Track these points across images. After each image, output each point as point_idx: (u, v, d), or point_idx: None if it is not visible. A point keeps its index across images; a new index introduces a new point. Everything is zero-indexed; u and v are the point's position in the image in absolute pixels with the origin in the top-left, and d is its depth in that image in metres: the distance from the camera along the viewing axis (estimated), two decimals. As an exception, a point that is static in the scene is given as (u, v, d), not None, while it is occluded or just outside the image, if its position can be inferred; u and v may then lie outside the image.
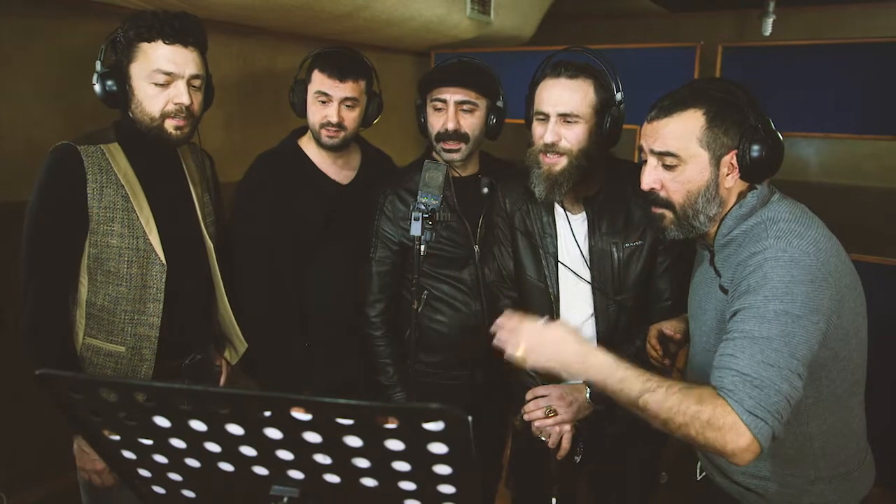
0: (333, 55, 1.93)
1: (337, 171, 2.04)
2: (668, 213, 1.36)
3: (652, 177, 1.35)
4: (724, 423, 1.09)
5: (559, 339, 1.27)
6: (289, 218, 1.94)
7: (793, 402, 1.12)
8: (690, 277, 1.54)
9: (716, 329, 1.33)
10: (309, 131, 2.01)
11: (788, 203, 1.31)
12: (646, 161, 1.37)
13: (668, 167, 1.33)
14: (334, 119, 1.90)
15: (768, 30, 4.63)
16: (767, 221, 1.26)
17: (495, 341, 1.34)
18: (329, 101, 1.90)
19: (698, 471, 1.57)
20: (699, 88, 1.33)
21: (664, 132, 1.32)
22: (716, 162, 1.30)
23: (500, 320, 1.35)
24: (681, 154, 1.30)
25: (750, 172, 1.30)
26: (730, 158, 1.30)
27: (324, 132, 1.93)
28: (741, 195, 1.33)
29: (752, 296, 1.18)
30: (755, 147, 1.27)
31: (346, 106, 1.92)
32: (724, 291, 1.29)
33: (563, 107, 1.60)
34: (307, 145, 2.03)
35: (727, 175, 1.31)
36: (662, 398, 1.14)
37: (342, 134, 1.94)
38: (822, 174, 4.72)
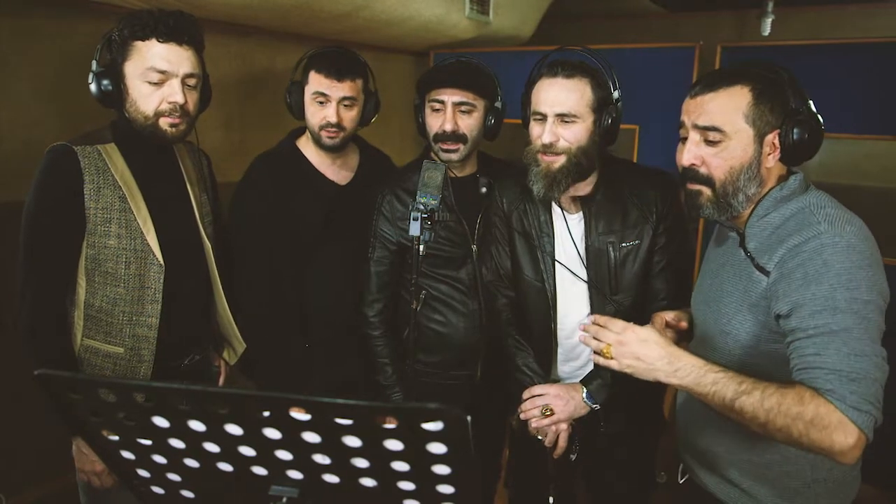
0: (329, 55, 1.93)
1: (335, 171, 2.03)
2: (707, 190, 1.34)
3: (693, 153, 1.34)
4: (829, 422, 1.09)
5: (648, 340, 1.27)
6: (287, 219, 1.94)
7: (884, 384, 1.13)
8: (695, 262, 1.53)
9: (742, 310, 1.31)
10: (307, 132, 2.01)
11: (826, 194, 1.31)
12: (684, 138, 1.36)
13: (710, 143, 1.31)
14: (333, 119, 1.90)
15: (767, 30, 4.62)
16: (813, 206, 1.26)
17: (582, 336, 1.38)
18: (327, 101, 1.90)
19: (680, 473, 1.57)
20: (745, 67, 1.33)
21: (710, 106, 1.30)
22: (759, 140, 1.29)
23: (592, 317, 1.38)
24: (726, 129, 1.29)
25: (791, 154, 1.30)
26: (773, 138, 1.29)
27: (324, 133, 1.93)
28: (780, 178, 1.33)
29: (816, 286, 1.17)
30: (797, 129, 1.27)
31: (345, 105, 1.92)
32: (764, 272, 1.26)
33: (560, 107, 1.59)
34: (305, 146, 2.03)
35: (769, 154, 1.30)
36: (759, 400, 1.14)
37: (342, 134, 1.94)
38: (821, 174, 4.70)
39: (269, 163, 2.01)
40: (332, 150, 1.98)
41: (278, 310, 1.97)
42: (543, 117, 1.62)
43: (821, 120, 1.30)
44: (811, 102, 1.31)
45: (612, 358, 1.31)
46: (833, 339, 1.14)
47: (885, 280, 1.19)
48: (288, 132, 2.10)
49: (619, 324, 1.32)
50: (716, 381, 1.18)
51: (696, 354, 1.37)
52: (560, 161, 1.61)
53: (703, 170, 1.33)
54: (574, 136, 1.60)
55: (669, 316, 1.58)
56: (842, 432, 1.08)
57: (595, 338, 1.34)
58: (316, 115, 1.92)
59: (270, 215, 1.93)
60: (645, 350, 1.26)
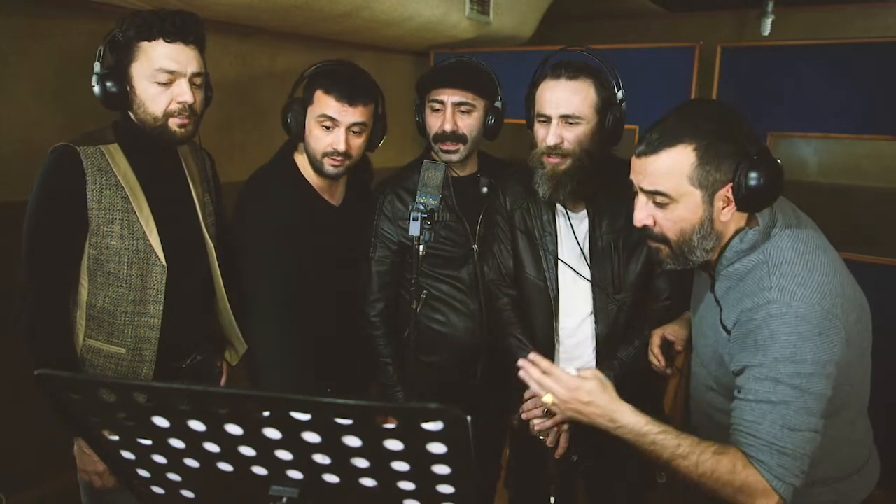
0: (340, 74, 1.76)
1: (331, 193, 1.92)
2: (664, 248, 1.33)
3: (644, 213, 1.31)
4: (755, 490, 1.15)
5: (588, 397, 1.26)
6: (302, 252, 1.82)
7: (811, 456, 1.17)
8: (693, 286, 1.54)
9: (715, 357, 1.34)
10: (300, 149, 1.86)
11: (792, 235, 1.26)
12: (637, 194, 1.33)
13: (659, 205, 1.29)
14: (341, 147, 1.74)
15: (767, 30, 4.63)
16: (770, 263, 1.24)
17: (522, 374, 1.34)
18: (335, 126, 1.74)
19: (659, 474, 1.59)
20: (689, 119, 1.26)
21: (652, 170, 1.26)
22: (709, 198, 1.25)
23: (531, 358, 1.34)
24: (671, 193, 1.25)
25: (747, 203, 1.24)
26: (725, 192, 1.24)
27: (327, 161, 1.77)
28: (740, 228, 1.29)
29: (762, 355, 1.19)
30: (752, 175, 1.21)
31: (354, 132, 1.77)
32: (727, 331, 1.28)
33: (565, 108, 1.60)
34: (304, 166, 1.86)
35: (723, 209, 1.26)
36: (694, 465, 1.18)
37: (347, 163, 1.79)
38: (821, 174, 4.71)
39: (277, 180, 1.84)
40: (334, 179, 1.86)
41: (293, 338, 1.83)
42: (548, 119, 1.62)
43: (779, 163, 1.22)
44: (767, 147, 1.27)
45: (553, 405, 1.31)
46: (770, 410, 1.17)
47: (836, 344, 1.18)
48: (282, 147, 1.92)
49: (565, 380, 1.28)
50: (654, 442, 1.21)
51: (695, 380, 1.40)
52: (565, 163, 1.62)
53: (656, 229, 1.32)
54: (578, 137, 1.61)
55: (669, 333, 1.60)
56: (764, 498, 1.16)
57: (538, 383, 1.32)
58: (321, 140, 1.76)
59: (287, 249, 1.79)
60: (588, 409, 1.27)
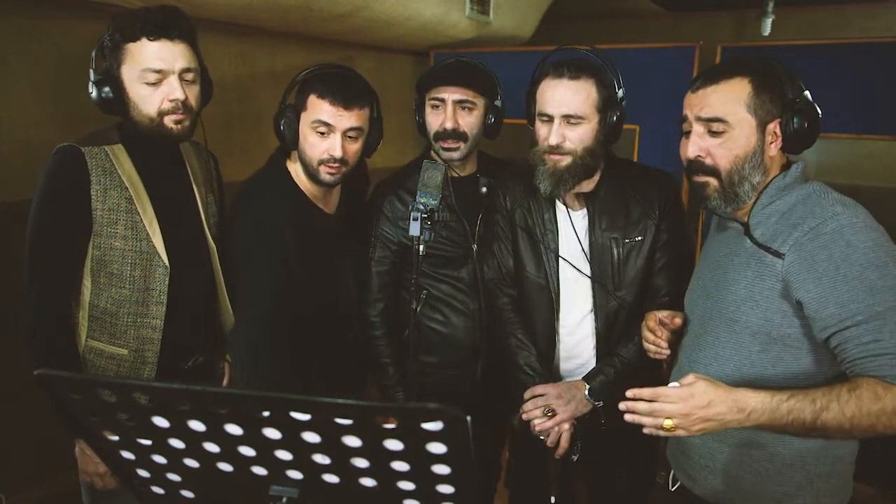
0: (334, 78, 1.70)
1: (325, 201, 1.86)
2: (713, 181, 1.36)
3: (698, 144, 1.36)
4: None
5: (706, 398, 1.17)
6: (287, 255, 1.77)
7: None
8: (695, 260, 1.53)
9: (752, 296, 1.31)
10: (293, 156, 1.80)
11: (824, 184, 1.34)
12: (687, 132, 1.39)
13: (714, 133, 1.34)
14: (338, 154, 1.68)
15: (767, 30, 4.62)
16: (820, 193, 1.29)
17: (630, 418, 1.23)
18: (330, 132, 1.68)
19: (671, 481, 1.56)
20: (743, 60, 1.36)
21: (712, 99, 1.34)
22: (761, 129, 1.33)
23: (632, 394, 1.22)
24: (729, 119, 1.32)
25: (792, 142, 1.33)
26: (774, 127, 1.33)
27: (323, 169, 1.71)
28: (782, 167, 1.36)
29: (847, 268, 1.18)
30: (797, 118, 1.31)
31: (350, 137, 1.71)
32: (779, 255, 1.27)
33: (567, 108, 1.60)
34: (297, 174, 1.80)
35: (771, 143, 1.34)
36: (839, 412, 1.15)
37: (343, 170, 1.73)
38: (821, 174, 4.71)
39: (270, 189, 1.78)
40: (329, 186, 1.79)
41: (292, 346, 1.79)
42: (550, 118, 1.62)
43: (818, 109, 1.33)
44: (807, 92, 1.34)
45: (674, 430, 1.19)
46: (884, 322, 1.16)
47: None
48: (274, 154, 1.86)
49: (676, 395, 1.18)
50: (790, 410, 1.17)
51: (700, 345, 1.39)
52: (566, 160, 1.62)
53: (708, 161, 1.36)
54: (580, 136, 1.62)
55: (663, 314, 1.57)
56: None
57: (650, 414, 1.21)
58: (316, 147, 1.70)
59: (279, 253, 1.74)
60: (712, 411, 1.17)
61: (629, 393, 1.24)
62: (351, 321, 1.96)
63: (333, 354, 1.93)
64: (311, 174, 1.74)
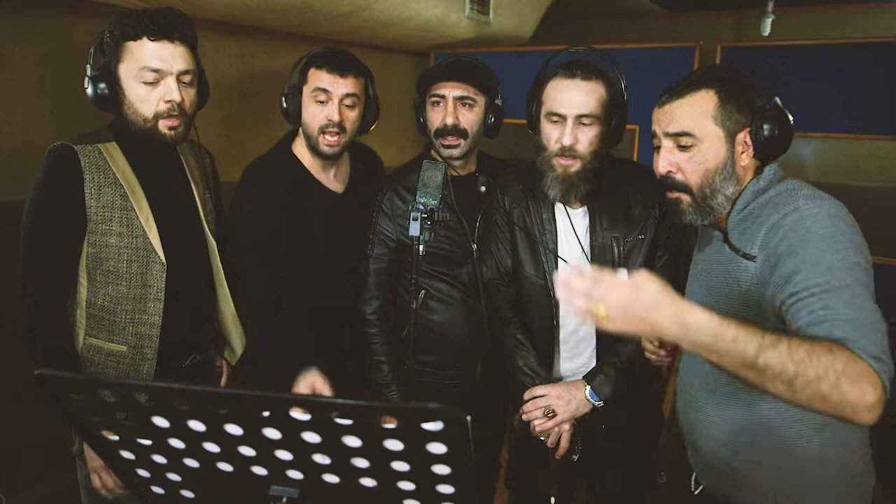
0: (330, 52, 1.86)
1: (332, 180, 1.96)
2: (685, 197, 1.36)
3: (667, 160, 1.35)
4: (859, 373, 1.00)
5: (651, 301, 1.03)
6: (291, 229, 1.87)
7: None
8: (689, 269, 1.53)
9: (734, 304, 1.30)
10: (300, 139, 1.92)
11: (801, 182, 1.32)
12: (658, 147, 1.38)
13: (683, 148, 1.33)
14: (336, 118, 1.80)
15: (767, 30, 4.63)
16: (790, 189, 1.27)
17: (560, 296, 1.09)
18: (329, 99, 1.81)
19: (693, 483, 1.54)
20: (708, 71, 1.35)
21: (678, 113, 1.33)
22: (730, 140, 1.31)
23: (564, 275, 1.08)
24: (696, 133, 1.31)
25: (763, 150, 1.31)
26: (744, 136, 1.31)
27: (323, 138, 1.83)
28: (756, 173, 1.35)
29: (803, 251, 1.15)
30: (767, 125, 1.29)
31: (347, 105, 1.83)
32: (750, 258, 1.27)
33: (581, 108, 1.60)
34: (302, 154, 1.92)
35: (742, 153, 1.32)
36: (787, 352, 1.01)
37: (342, 138, 1.84)
38: (820, 174, 4.71)
39: (269, 169, 1.91)
40: (331, 159, 1.89)
41: (282, 319, 1.87)
42: (562, 119, 1.62)
43: (789, 115, 1.31)
44: (777, 99, 1.33)
45: (606, 319, 1.06)
46: (838, 294, 1.09)
47: (867, 248, 1.19)
48: (283, 137, 1.99)
49: (622, 285, 1.05)
50: (735, 337, 1.02)
51: (689, 369, 1.37)
52: (576, 165, 1.62)
53: (679, 176, 1.35)
54: (590, 139, 1.62)
55: None
56: (870, 383, 1.00)
57: (587, 294, 1.06)
58: (316, 115, 1.82)
59: (274, 224, 1.84)
60: (653, 315, 1.04)
61: (570, 266, 1.17)
62: (356, 300, 1.97)
63: (339, 330, 1.97)
64: (313, 146, 1.86)
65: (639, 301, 1.04)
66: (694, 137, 1.31)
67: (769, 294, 1.22)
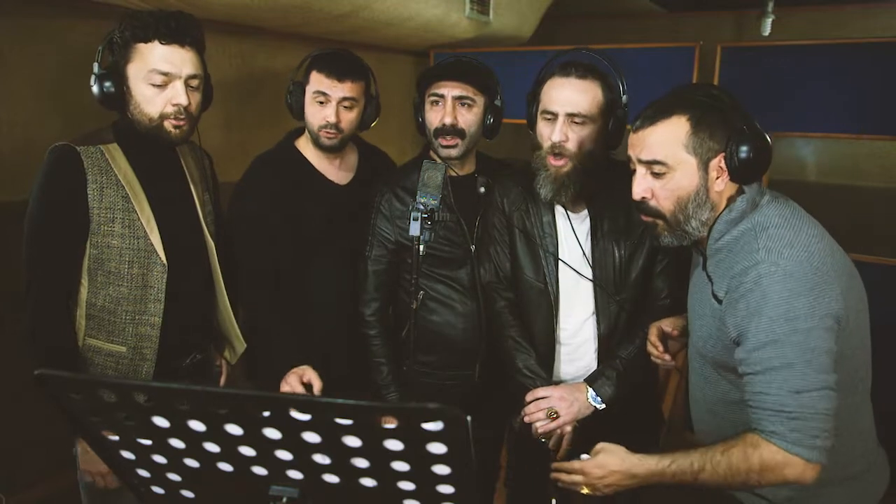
0: (332, 56, 1.92)
1: (335, 172, 2.03)
2: (660, 222, 1.37)
3: (642, 186, 1.36)
4: (776, 463, 1.17)
5: (604, 475, 1.33)
6: (288, 219, 1.94)
7: (833, 412, 1.17)
8: (689, 277, 1.54)
9: (713, 335, 1.34)
10: (305, 133, 2.01)
11: (779, 205, 1.31)
12: (635, 171, 1.38)
13: (656, 175, 1.33)
14: (332, 119, 1.89)
15: (767, 30, 4.63)
16: (757, 228, 1.27)
17: (562, 479, 1.42)
18: (327, 101, 1.89)
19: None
20: (682, 95, 1.34)
21: (650, 141, 1.32)
22: (704, 166, 1.30)
23: (556, 469, 1.43)
24: (668, 161, 1.31)
25: (739, 174, 1.29)
26: (718, 162, 1.30)
27: (322, 133, 1.92)
28: (731, 199, 1.33)
29: (757, 319, 1.20)
30: (743, 148, 1.27)
31: (345, 107, 1.90)
32: (718, 301, 1.30)
33: (573, 107, 1.60)
34: (304, 147, 2.01)
35: (716, 179, 1.31)
36: (713, 472, 1.21)
37: (340, 136, 1.92)
38: (820, 174, 4.71)
39: (268, 163, 2.00)
40: (331, 151, 1.97)
41: (279, 310, 1.95)
42: (554, 116, 1.62)
43: (767, 137, 1.29)
44: (755, 121, 1.31)
45: (592, 491, 1.38)
46: (775, 376, 1.18)
47: (832, 299, 1.18)
48: (286, 133, 2.09)
49: (578, 469, 1.37)
50: (673, 473, 1.25)
51: (694, 370, 1.40)
52: (568, 166, 1.62)
53: (652, 203, 1.36)
54: (582, 139, 1.62)
55: (665, 325, 1.61)
56: (790, 468, 1.16)
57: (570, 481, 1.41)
58: (316, 115, 1.91)
59: (270, 215, 1.92)
60: (610, 480, 1.33)
61: (555, 465, 1.44)
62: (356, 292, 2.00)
63: (339, 321, 2.02)
64: (315, 140, 1.96)
65: (596, 476, 1.35)
66: (666, 166, 1.31)
67: (731, 336, 1.27)
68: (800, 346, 1.16)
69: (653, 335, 1.62)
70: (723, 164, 1.30)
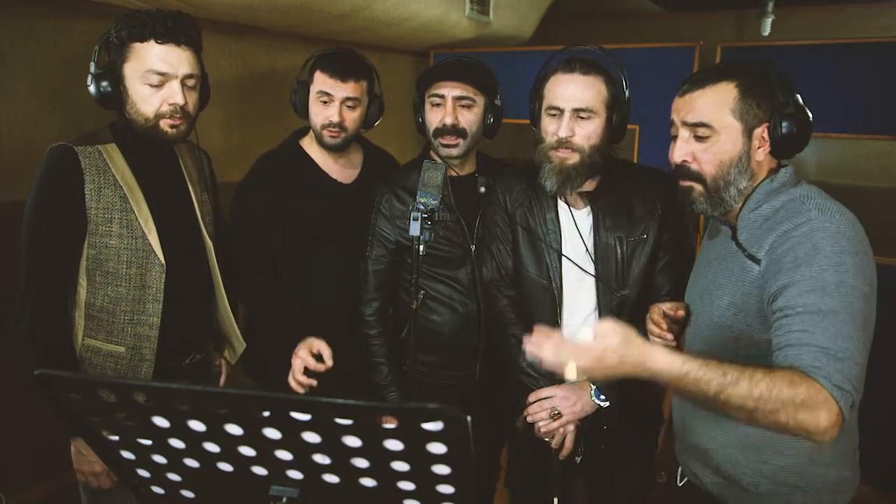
0: (335, 55, 1.95)
1: (339, 170, 2.04)
2: (698, 186, 1.37)
3: (683, 150, 1.36)
4: (817, 402, 1.08)
5: (616, 357, 1.14)
6: (290, 217, 1.95)
7: (864, 371, 1.14)
8: (695, 258, 1.54)
9: (735, 301, 1.32)
10: (310, 132, 2.02)
11: (816, 187, 1.33)
12: (675, 136, 1.38)
13: (700, 138, 1.34)
14: (336, 119, 1.91)
15: (767, 30, 4.63)
16: (803, 197, 1.28)
17: (531, 356, 1.21)
18: (331, 101, 1.91)
19: (679, 476, 1.56)
20: (731, 64, 1.36)
21: (698, 104, 1.33)
22: (748, 134, 1.32)
23: (537, 334, 1.20)
24: (714, 124, 1.32)
25: (780, 147, 1.32)
26: (761, 131, 1.32)
27: (326, 132, 1.94)
28: (770, 171, 1.35)
29: (806, 267, 1.18)
30: (786, 122, 1.29)
31: (348, 107, 1.93)
32: (755, 260, 1.28)
33: (578, 102, 1.61)
34: (309, 146, 2.04)
35: (758, 148, 1.32)
36: (747, 389, 1.09)
37: (343, 135, 1.95)
38: (821, 174, 4.71)
39: (273, 161, 2.02)
40: (334, 150, 1.99)
41: (280, 307, 1.96)
42: (559, 112, 1.62)
43: (809, 113, 1.31)
44: (798, 97, 1.33)
45: (578, 374, 1.17)
46: (821, 320, 1.15)
47: (873, 269, 1.21)
48: (291, 132, 2.11)
49: (587, 350, 1.16)
50: (697, 378, 1.12)
51: (692, 351, 1.37)
52: (573, 158, 1.62)
53: (693, 166, 1.36)
54: (588, 133, 1.62)
55: (666, 306, 1.57)
56: (826, 410, 1.08)
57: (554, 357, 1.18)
58: (319, 114, 1.94)
59: (273, 213, 1.94)
60: (622, 368, 1.15)
61: (535, 331, 1.21)
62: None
63: (339, 316, 2.02)
64: (318, 138, 1.99)
65: (605, 363, 1.15)
66: (711, 129, 1.32)
67: (765, 297, 1.25)
68: (845, 299, 1.15)
69: (654, 314, 1.58)
70: (766, 135, 1.31)
